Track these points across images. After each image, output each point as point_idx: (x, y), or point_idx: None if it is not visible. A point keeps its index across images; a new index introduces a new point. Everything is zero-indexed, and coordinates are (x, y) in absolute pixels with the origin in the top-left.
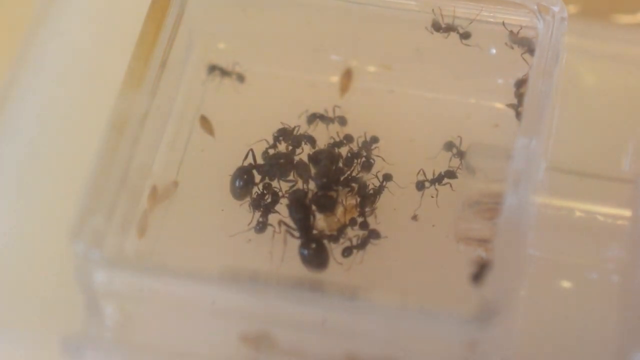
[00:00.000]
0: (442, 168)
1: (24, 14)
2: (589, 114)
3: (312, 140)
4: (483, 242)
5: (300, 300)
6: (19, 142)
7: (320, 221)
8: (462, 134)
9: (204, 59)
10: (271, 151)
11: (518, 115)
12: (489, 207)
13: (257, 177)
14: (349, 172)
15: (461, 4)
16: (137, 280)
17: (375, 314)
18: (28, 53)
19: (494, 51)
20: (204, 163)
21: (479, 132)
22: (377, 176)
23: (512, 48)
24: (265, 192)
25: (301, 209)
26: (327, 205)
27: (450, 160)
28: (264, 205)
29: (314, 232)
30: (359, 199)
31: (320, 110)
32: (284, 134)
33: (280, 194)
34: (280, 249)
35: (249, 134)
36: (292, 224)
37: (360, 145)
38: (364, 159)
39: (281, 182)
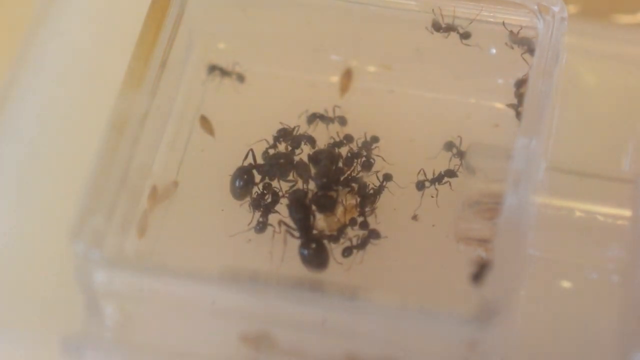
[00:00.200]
0: (442, 168)
1: (24, 14)
2: (589, 114)
3: (312, 140)
4: (483, 242)
5: (300, 300)
6: (19, 142)
7: (320, 221)
8: (462, 134)
9: (204, 59)
10: (271, 151)
11: (518, 115)
12: (489, 207)
13: (257, 177)
14: (349, 172)
15: (461, 4)
16: (137, 280)
17: (375, 314)
18: (28, 53)
19: (494, 51)
20: (204, 163)
21: (479, 132)
22: (377, 176)
23: (512, 48)
24: (265, 192)
25: (301, 209)
26: (327, 205)
27: (450, 160)
28: (264, 205)
29: (314, 232)
30: (359, 199)
31: (320, 110)
32: (284, 134)
33: (280, 194)
34: (280, 249)
35: (249, 134)
36: (292, 224)
37: (360, 145)
38: (364, 158)
39: (281, 182)
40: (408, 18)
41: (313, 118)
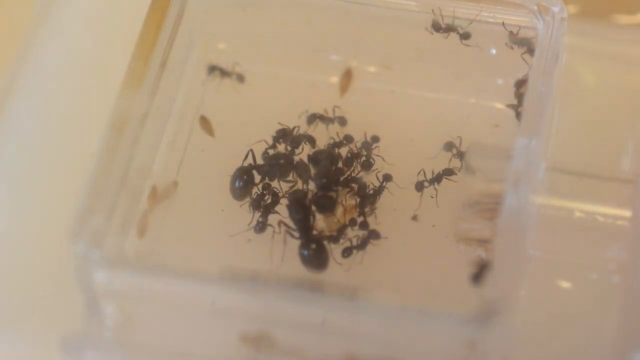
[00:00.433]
0: (441, 168)
1: (24, 14)
2: (589, 114)
3: (311, 140)
4: (483, 242)
5: (300, 300)
6: (19, 142)
7: (320, 221)
8: (462, 134)
9: (204, 59)
10: (271, 151)
11: (518, 115)
12: (489, 207)
13: (257, 178)
14: (348, 173)
15: (461, 4)
16: (137, 280)
17: (375, 314)
18: (28, 53)
19: (494, 51)
20: (204, 163)
21: (479, 132)
22: (377, 176)
23: (512, 48)
24: (265, 192)
25: (301, 209)
26: (327, 205)
27: (450, 160)
28: (263, 206)
29: (314, 232)
30: (358, 200)
31: (320, 111)
32: (284, 134)
33: (280, 194)
34: (280, 249)
35: (249, 134)
36: (291, 224)
37: (360, 145)
38: (364, 158)
39: (281, 182)
40: (408, 18)
41: (313, 118)
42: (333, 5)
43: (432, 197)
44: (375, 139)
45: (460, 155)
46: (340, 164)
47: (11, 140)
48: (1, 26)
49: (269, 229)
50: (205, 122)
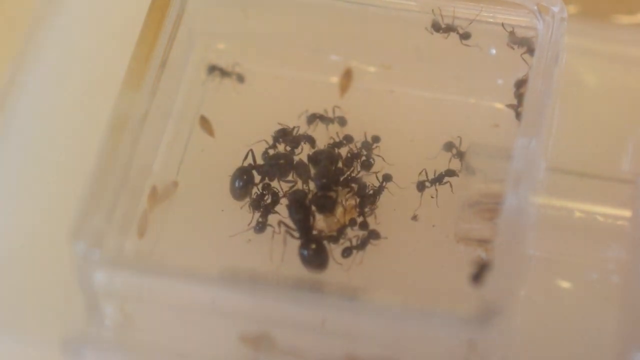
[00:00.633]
0: (442, 168)
1: (24, 14)
2: (589, 114)
3: (311, 140)
4: (483, 242)
5: (300, 300)
6: (19, 142)
7: (320, 222)
8: (462, 134)
9: (204, 59)
10: (271, 151)
11: (518, 115)
12: (489, 207)
13: (257, 178)
14: (348, 173)
15: (461, 4)
16: (137, 280)
17: (375, 314)
18: (28, 53)
19: (494, 51)
20: (204, 163)
21: (479, 132)
22: (376, 176)
23: (513, 48)
24: (265, 192)
25: (301, 209)
26: (327, 205)
27: (450, 160)
28: (263, 206)
29: (314, 232)
30: (358, 200)
31: (320, 110)
32: (284, 134)
33: (280, 194)
34: (280, 249)
35: (249, 134)
36: (291, 224)
37: (360, 145)
38: (364, 158)
39: (281, 182)
40: (408, 18)
41: (313, 118)
42: (333, 5)
43: (432, 197)
44: (376, 139)
45: (460, 155)
46: (340, 164)
47: (11, 140)
48: (1, 26)
49: (269, 229)
50: (205, 122)
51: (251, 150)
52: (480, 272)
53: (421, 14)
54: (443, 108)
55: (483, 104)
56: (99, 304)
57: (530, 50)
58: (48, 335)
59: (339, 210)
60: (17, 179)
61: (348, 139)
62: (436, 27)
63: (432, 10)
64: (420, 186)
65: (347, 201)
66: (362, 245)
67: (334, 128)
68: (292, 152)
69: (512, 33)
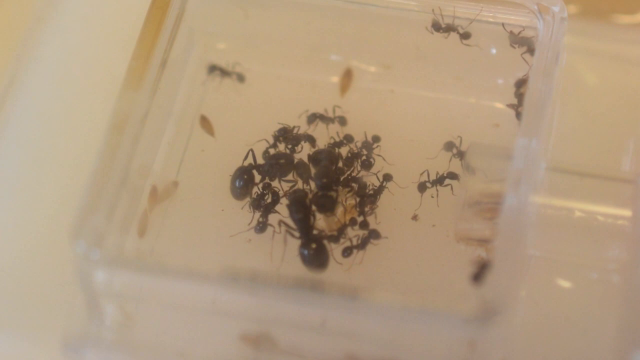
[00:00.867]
0: (442, 168)
1: (24, 14)
2: (589, 114)
3: (312, 140)
4: (483, 242)
5: (300, 300)
6: (19, 142)
7: (321, 221)
8: (462, 134)
9: (204, 59)
10: (271, 151)
11: (518, 115)
12: (489, 207)
13: (257, 177)
14: (349, 172)
15: (461, 4)
16: (137, 280)
17: (375, 314)
18: (28, 53)
19: (494, 51)
20: (204, 163)
21: (479, 132)
22: (377, 176)
23: (515, 48)
24: (265, 192)
25: (301, 209)
26: (327, 205)
27: (450, 160)
28: (264, 206)
29: (314, 232)
30: (359, 199)
31: (320, 110)
32: (284, 134)
33: (280, 194)
34: (280, 249)
35: (249, 134)
36: (292, 224)
37: (360, 145)
38: (364, 157)
39: (281, 182)
40: (408, 18)
41: (313, 118)
42: (333, 5)
43: (432, 196)
44: (376, 139)
45: (461, 155)
46: (340, 164)
47: (11, 140)
48: (1, 26)
49: (269, 229)
50: (205, 122)
51: (251, 149)
52: (480, 272)
53: (421, 14)
54: (443, 108)
55: (483, 104)
56: (99, 304)
57: (531, 50)
58: (48, 335)
59: (340, 210)
60: (17, 178)
61: (348, 138)
62: (436, 26)
63: (432, 9)
64: (422, 187)
65: (347, 201)
66: (362, 244)
67: (334, 128)
68: (292, 152)
69: (512, 33)
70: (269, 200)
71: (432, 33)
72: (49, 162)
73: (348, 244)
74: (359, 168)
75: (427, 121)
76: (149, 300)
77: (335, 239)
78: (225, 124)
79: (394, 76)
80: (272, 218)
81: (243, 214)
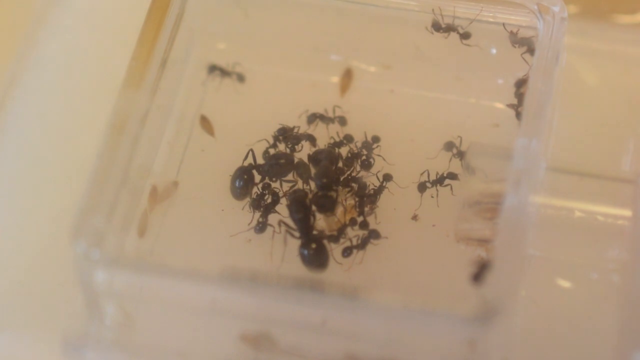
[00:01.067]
0: (442, 168)
1: (24, 14)
2: (589, 114)
3: (312, 139)
4: (483, 242)
5: (300, 300)
6: (19, 142)
7: (321, 221)
8: (462, 134)
9: (204, 59)
10: (271, 151)
11: (518, 115)
12: (489, 207)
13: (257, 177)
14: (349, 172)
15: (461, 4)
16: (137, 280)
17: (375, 314)
18: (28, 53)
19: (494, 51)
20: (204, 163)
21: (479, 132)
22: (377, 176)
23: (515, 47)
24: (265, 192)
25: (301, 209)
26: (327, 205)
27: (450, 160)
28: (264, 206)
29: (314, 232)
30: (358, 199)
31: (320, 110)
32: (284, 133)
33: (280, 194)
34: (280, 249)
35: (249, 134)
36: (292, 224)
37: (361, 145)
38: (364, 157)
39: (281, 182)
40: (408, 18)
41: (313, 118)
42: (333, 5)
43: (432, 196)
44: (376, 139)
45: (461, 155)
46: (340, 164)
47: (11, 140)
48: (1, 26)
49: (269, 229)
50: (205, 122)
51: (251, 149)
52: (480, 272)
53: (421, 14)
54: (443, 108)
55: (483, 104)
56: (99, 304)
57: (531, 50)
58: (48, 335)
59: (340, 210)
60: (17, 178)
61: (348, 138)
62: (436, 26)
63: (432, 9)
64: (422, 187)
65: (347, 201)
66: (362, 244)
67: (334, 128)
68: (292, 152)
69: (512, 33)
70: (269, 200)
71: (432, 33)
72: (49, 162)
73: (348, 244)
74: (358, 168)
75: (427, 121)
76: (149, 300)
77: (335, 239)
78: (225, 124)
79: (393, 76)
80: (272, 218)
81: (243, 214)
